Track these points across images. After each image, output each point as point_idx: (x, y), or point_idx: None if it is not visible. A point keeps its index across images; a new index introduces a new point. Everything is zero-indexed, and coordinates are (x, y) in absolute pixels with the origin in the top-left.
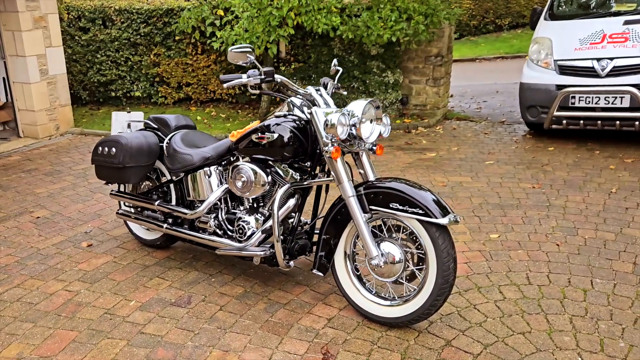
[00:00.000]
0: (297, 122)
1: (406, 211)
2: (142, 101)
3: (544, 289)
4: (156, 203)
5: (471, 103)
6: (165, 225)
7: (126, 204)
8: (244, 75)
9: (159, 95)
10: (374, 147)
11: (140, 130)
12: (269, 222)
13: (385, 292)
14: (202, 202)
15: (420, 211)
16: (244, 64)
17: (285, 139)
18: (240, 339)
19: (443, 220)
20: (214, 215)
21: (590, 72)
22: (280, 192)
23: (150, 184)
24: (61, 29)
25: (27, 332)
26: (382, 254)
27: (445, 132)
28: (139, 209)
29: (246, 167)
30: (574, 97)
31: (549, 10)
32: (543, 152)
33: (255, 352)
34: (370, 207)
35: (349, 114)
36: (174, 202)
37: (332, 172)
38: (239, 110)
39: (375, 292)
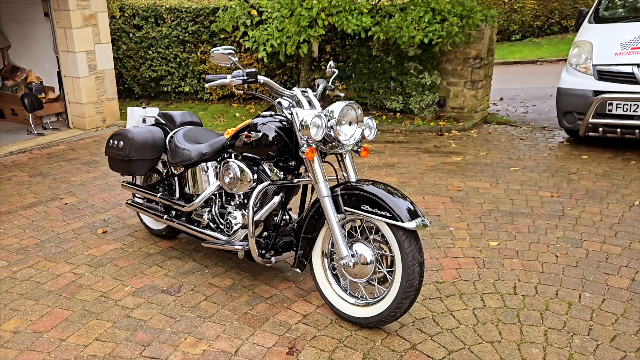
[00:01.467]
0: (283, 123)
1: (375, 213)
2: (189, 97)
3: (528, 300)
4: (158, 195)
5: (519, 107)
6: (165, 217)
7: (136, 195)
8: (229, 76)
9: (205, 91)
10: (359, 149)
11: (152, 125)
12: (256, 218)
13: (358, 292)
14: (198, 195)
15: (388, 214)
16: (228, 66)
17: (270, 138)
18: (216, 328)
19: (408, 224)
20: (208, 209)
21: (630, 79)
22: (257, 190)
23: (158, 177)
24: (117, 27)
25: (28, 309)
26: (352, 255)
27: (479, 136)
28: (146, 200)
29: (234, 164)
30: (611, 104)
31: (594, 12)
32: (574, 161)
33: (225, 342)
34: (345, 208)
35: (325, 116)
36: (177, 195)
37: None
38: None
39: (349, 292)
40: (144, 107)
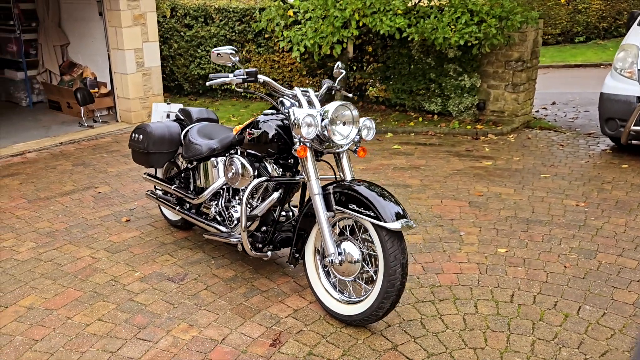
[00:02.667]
0: (283, 121)
1: (361, 213)
2: (234, 94)
3: (523, 309)
4: (172, 187)
5: (570, 112)
6: (177, 208)
7: (156, 186)
8: (231, 75)
9: (249, 89)
10: (357, 149)
11: (172, 120)
12: (255, 213)
13: (347, 290)
14: (207, 189)
15: (372, 214)
16: (231, 65)
17: (269, 136)
18: (209, 316)
19: (390, 225)
20: (216, 202)
21: None
22: (251, 185)
23: (176, 170)
24: (169, 26)
25: (45, 288)
26: (339, 253)
27: (517, 141)
28: (162, 192)
29: (236, 159)
30: None
31: None
32: (612, 170)
33: (215, 330)
34: (336, 206)
35: (318, 116)
36: (191, 187)
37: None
38: None
39: (338, 289)
40: (168, 103)
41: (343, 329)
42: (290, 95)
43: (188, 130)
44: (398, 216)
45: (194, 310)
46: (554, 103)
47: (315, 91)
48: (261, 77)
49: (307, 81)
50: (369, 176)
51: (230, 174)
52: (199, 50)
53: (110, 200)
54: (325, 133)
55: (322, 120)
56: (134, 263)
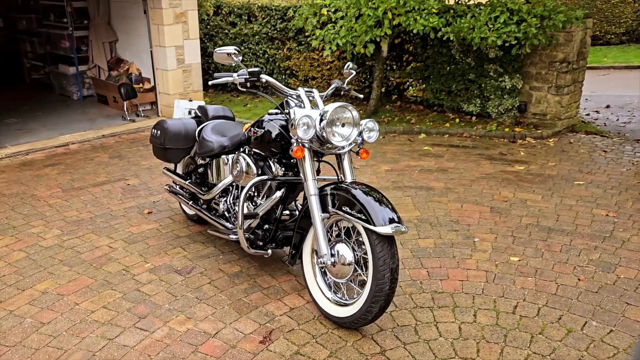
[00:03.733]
0: (286, 121)
1: (353, 215)
2: (276, 93)
3: (524, 321)
4: (187, 182)
5: (623, 116)
6: (190, 202)
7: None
8: (235, 74)
9: (289, 87)
10: (359, 151)
11: (192, 117)
12: (255, 211)
13: (341, 292)
14: (216, 185)
15: (364, 217)
16: (233, 64)
17: (272, 135)
18: (207, 310)
19: (380, 228)
20: (225, 199)
21: None
22: (249, 184)
23: (194, 166)
24: (215, 23)
25: (61, 274)
26: (332, 254)
27: (556, 145)
28: (179, 186)
29: (241, 157)
30: None
31: None
32: None
33: (210, 323)
34: (331, 208)
35: (317, 116)
36: (206, 183)
37: (300, 170)
38: (354, 106)
39: (333, 290)
40: (190, 100)
41: (334, 330)
42: (295, 96)
43: (203, 127)
44: (391, 222)
45: (194, 303)
46: (608, 106)
47: (321, 92)
48: (264, 77)
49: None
50: (394, 177)
51: (235, 172)
52: (242, 48)
53: (137, 193)
54: (324, 134)
55: (321, 121)
56: (147, 254)
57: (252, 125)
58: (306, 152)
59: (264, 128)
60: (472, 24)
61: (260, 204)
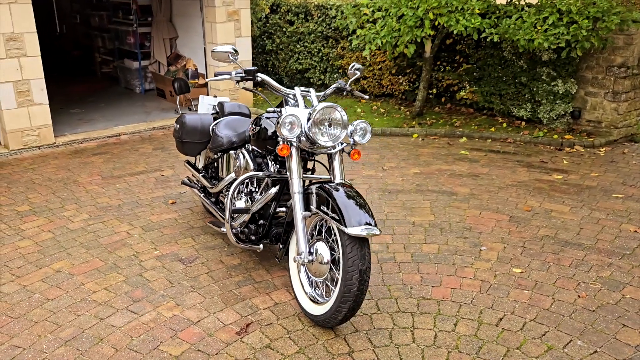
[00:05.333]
0: None
1: (328, 215)
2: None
3: (505, 334)
4: (200, 175)
5: None
6: (202, 195)
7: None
8: (233, 72)
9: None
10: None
11: (212, 113)
12: (246, 206)
13: (319, 289)
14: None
15: (337, 217)
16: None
17: (267, 133)
18: (197, 298)
19: (350, 229)
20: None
21: None
22: (238, 180)
23: (210, 160)
24: (273, 22)
25: (77, 255)
26: (310, 252)
27: (607, 155)
28: (195, 179)
29: (240, 153)
30: None
31: None
32: None
33: (195, 311)
34: (311, 207)
35: (304, 116)
36: (218, 176)
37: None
38: (402, 107)
39: (314, 287)
40: (215, 97)
41: (310, 327)
42: (291, 95)
43: (217, 123)
44: (363, 223)
45: (187, 291)
46: None
47: (318, 92)
48: (260, 76)
49: (395, 80)
50: (420, 180)
51: (235, 167)
52: (298, 46)
53: (167, 183)
54: (310, 134)
55: (308, 120)
56: (158, 242)
57: (252, 123)
58: (293, 151)
59: (260, 126)
60: (518, 25)
61: (257, 200)
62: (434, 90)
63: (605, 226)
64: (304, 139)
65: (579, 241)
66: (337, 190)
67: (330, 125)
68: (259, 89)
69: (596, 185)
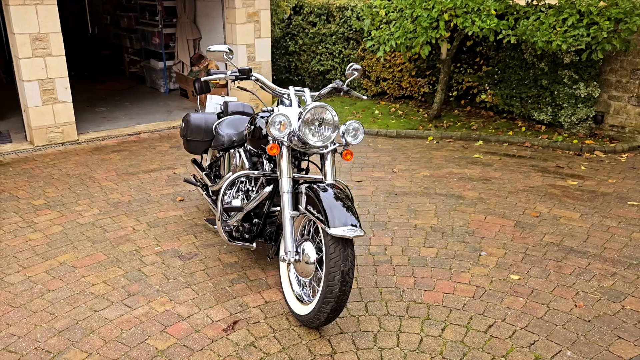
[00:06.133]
0: None
1: (314, 215)
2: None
3: (493, 342)
4: (203, 173)
5: None
6: (204, 193)
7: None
8: (228, 72)
9: (362, 87)
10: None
11: (218, 112)
12: (249, 205)
13: (306, 289)
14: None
15: (321, 217)
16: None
17: (262, 132)
18: (190, 294)
19: (332, 230)
20: (230, 191)
21: None
22: (230, 179)
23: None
24: (296, 23)
25: (83, 249)
26: (297, 252)
27: (628, 161)
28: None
29: (237, 152)
30: None
31: None
32: None
33: (186, 307)
34: (299, 206)
35: (294, 116)
36: (221, 174)
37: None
38: (421, 109)
39: (302, 287)
40: (222, 96)
41: (296, 327)
42: (285, 95)
43: (220, 122)
44: (346, 224)
45: (182, 287)
46: None
47: (313, 90)
48: (255, 75)
49: (415, 82)
50: (428, 183)
51: (231, 166)
52: (320, 47)
53: (178, 181)
54: (300, 134)
55: (299, 120)
56: (161, 238)
57: (247, 123)
58: (284, 150)
59: (255, 125)
60: (536, 26)
61: (252, 198)
62: (454, 93)
63: (615, 234)
64: (295, 139)
65: (584, 249)
66: (325, 191)
67: (320, 126)
68: (257, 88)
69: (612, 192)
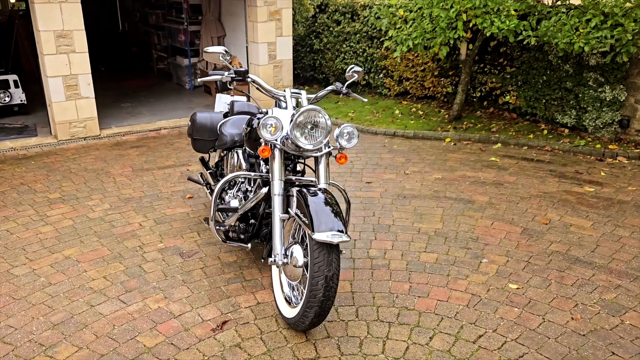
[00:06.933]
0: None
1: (300, 218)
2: (373, 90)
3: (480, 352)
4: (207, 172)
5: None
6: (208, 191)
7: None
8: (225, 73)
9: (384, 86)
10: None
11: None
12: (245, 206)
13: (295, 292)
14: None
15: (307, 221)
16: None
17: (257, 134)
18: (185, 293)
19: (316, 235)
20: (232, 191)
21: None
22: (223, 180)
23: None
24: (321, 21)
25: (89, 243)
26: (285, 255)
27: None
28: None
29: (235, 153)
30: None
31: None
32: None
33: (179, 305)
34: (292, 209)
35: (286, 118)
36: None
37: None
38: (442, 110)
39: (292, 289)
40: (232, 95)
41: (284, 329)
42: (282, 97)
43: (225, 122)
44: (331, 229)
45: (178, 284)
46: None
47: (310, 92)
48: (251, 77)
49: (438, 82)
50: (439, 186)
51: (230, 166)
52: (344, 46)
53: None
54: (291, 136)
55: (290, 122)
56: (165, 235)
57: (245, 124)
58: (276, 153)
59: (252, 126)
60: (558, 27)
61: (249, 199)
62: (478, 94)
63: (626, 245)
64: (289, 141)
65: (591, 259)
66: (315, 195)
67: (312, 129)
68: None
69: (630, 200)
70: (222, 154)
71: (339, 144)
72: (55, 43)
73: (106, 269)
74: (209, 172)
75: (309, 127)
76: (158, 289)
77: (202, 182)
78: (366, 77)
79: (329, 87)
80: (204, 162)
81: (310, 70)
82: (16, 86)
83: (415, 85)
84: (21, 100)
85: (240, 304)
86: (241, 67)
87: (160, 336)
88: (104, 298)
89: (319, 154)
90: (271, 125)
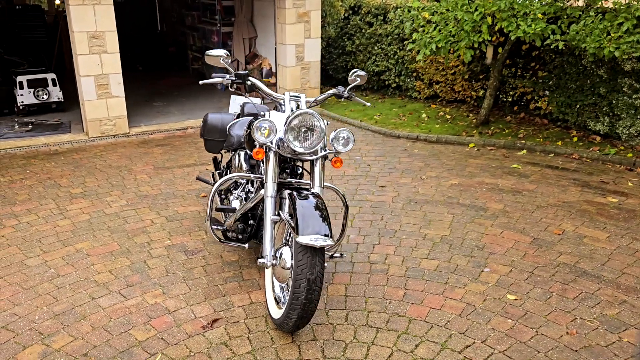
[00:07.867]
0: None
1: (288, 220)
2: (403, 93)
3: None
4: (216, 172)
5: None
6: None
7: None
8: (227, 76)
9: (415, 89)
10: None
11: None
12: (244, 207)
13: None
14: None
15: (293, 224)
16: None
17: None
18: (182, 289)
19: (299, 237)
20: (237, 191)
21: None
22: (219, 181)
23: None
24: (354, 23)
25: (101, 238)
26: (275, 256)
27: None
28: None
29: (237, 154)
30: None
31: None
32: None
33: (175, 302)
34: (282, 211)
35: (280, 122)
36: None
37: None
38: (471, 114)
39: (283, 290)
40: (246, 97)
41: (272, 330)
42: (281, 100)
43: (234, 123)
44: (317, 233)
45: (178, 281)
46: None
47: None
48: (251, 80)
49: (469, 85)
50: (453, 192)
51: (233, 167)
52: (376, 48)
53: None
54: (285, 140)
55: (284, 125)
56: (174, 232)
57: (245, 126)
58: (271, 155)
59: (251, 128)
60: (587, 31)
61: (249, 199)
62: (509, 98)
63: None
64: (285, 145)
65: (599, 272)
66: (305, 198)
67: (307, 132)
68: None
69: None
70: (230, 154)
71: (335, 148)
72: (88, 43)
73: (113, 263)
74: (218, 172)
75: (304, 130)
76: (158, 285)
77: (212, 182)
78: (397, 80)
79: (330, 91)
80: (216, 163)
81: (342, 72)
82: (54, 84)
83: (445, 89)
84: (58, 98)
85: (234, 303)
86: (270, 68)
87: (152, 331)
88: (106, 291)
89: (314, 157)
90: (265, 128)
